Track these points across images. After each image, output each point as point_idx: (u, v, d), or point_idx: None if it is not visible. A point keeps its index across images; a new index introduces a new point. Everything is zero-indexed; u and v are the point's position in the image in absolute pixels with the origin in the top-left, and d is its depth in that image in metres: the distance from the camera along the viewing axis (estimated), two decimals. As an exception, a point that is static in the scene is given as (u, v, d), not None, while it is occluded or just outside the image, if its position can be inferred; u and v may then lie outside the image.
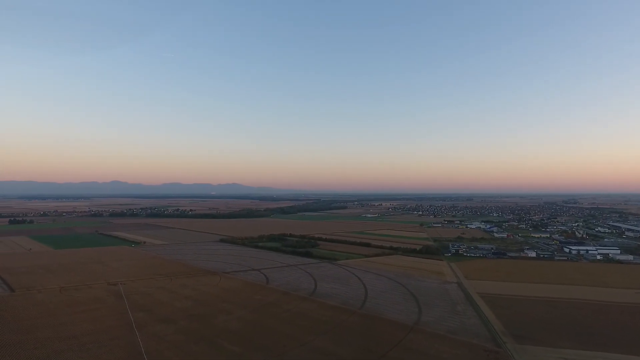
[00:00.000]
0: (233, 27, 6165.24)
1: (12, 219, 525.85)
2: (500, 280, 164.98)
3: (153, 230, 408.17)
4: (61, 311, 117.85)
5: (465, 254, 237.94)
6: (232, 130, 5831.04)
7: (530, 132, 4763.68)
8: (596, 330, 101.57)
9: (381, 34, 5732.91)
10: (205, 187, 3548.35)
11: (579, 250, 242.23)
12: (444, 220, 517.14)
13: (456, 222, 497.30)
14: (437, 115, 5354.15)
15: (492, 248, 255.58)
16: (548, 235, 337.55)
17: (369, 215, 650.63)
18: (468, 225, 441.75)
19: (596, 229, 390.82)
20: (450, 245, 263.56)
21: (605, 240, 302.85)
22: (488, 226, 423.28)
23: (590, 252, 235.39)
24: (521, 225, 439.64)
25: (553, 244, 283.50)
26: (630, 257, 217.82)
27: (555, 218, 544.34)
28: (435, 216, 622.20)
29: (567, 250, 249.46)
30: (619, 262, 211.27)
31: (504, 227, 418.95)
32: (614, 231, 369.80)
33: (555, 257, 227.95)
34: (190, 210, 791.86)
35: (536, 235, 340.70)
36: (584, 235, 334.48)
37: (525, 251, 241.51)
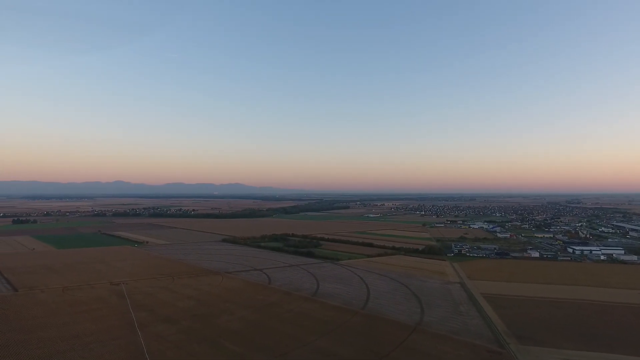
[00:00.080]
0: (235, 28, 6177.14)
1: (15, 218, 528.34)
2: (503, 281, 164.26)
3: (156, 230, 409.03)
4: (64, 311, 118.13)
5: (468, 254, 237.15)
6: (235, 130, 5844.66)
7: (533, 132, 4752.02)
8: (600, 331, 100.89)
9: (383, 34, 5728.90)
10: (208, 187, 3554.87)
11: (582, 250, 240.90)
12: (447, 220, 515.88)
13: (459, 222, 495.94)
14: (440, 115, 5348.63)
15: (495, 248, 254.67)
16: (551, 236, 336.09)
17: (371, 215, 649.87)
18: (471, 225, 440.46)
19: (600, 229, 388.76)
20: (453, 246, 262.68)
21: (609, 240, 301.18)
22: (491, 226, 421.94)
23: (594, 252, 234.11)
24: (524, 226, 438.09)
25: (556, 244, 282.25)
26: (635, 258, 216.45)
27: (559, 218, 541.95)
28: (437, 216, 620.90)
29: (570, 250, 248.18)
30: (623, 262, 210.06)
31: (506, 227, 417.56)
32: (618, 231, 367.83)
33: (559, 258, 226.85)
34: (193, 210, 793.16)
35: (539, 236, 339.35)
36: (588, 236, 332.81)
37: (529, 251, 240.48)
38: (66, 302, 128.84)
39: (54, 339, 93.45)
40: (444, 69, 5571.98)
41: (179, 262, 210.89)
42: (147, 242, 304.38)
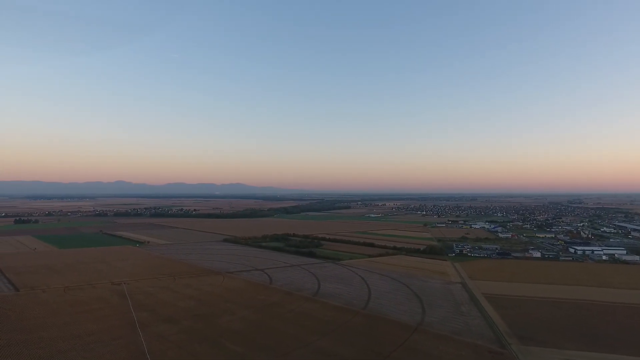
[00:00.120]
0: (236, 28, 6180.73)
1: (17, 218, 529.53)
2: (505, 281, 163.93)
3: (157, 230, 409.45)
4: (65, 311, 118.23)
5: (469, 254, 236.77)
6: (236, 130, 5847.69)
7: (535, 132, 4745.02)
8: (602, 332, 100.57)
9: (384, 34, 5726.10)
10: (209, 187, 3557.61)
11: (584, 250, 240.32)
12: (448, 220, 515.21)
13: (460, 222, 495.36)
14: (441, 115, 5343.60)
15: (496, 248, 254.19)
16: (553, 236, 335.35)
17: (372, 215, 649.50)
18: (472, 225, 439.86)
19: (602, 229, 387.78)
20: (454, 246, 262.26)
21: (610, 240, 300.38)
22: (492, 226, 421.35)
23: (595, 252, 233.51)
24: (526, 225, 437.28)
25: (558, 244, 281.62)
26: (637, 258, 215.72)
27: (560, 218, 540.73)
28: (439, 216, 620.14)
29: (572, 250, 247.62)
30: (625, 262, 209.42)
31: (508, 227, 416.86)
32: (620, 231, 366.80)
33: (561, 258, 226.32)
34: (194, 210, 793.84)
35: (541, 236, 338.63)
36: (590, 236, 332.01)
37: (530, 251, 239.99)
38: (67, 302, 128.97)
39: (55, 338, 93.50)
40: (445, 68, 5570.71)
41: (180, 262, 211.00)
42: (149, 242, 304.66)
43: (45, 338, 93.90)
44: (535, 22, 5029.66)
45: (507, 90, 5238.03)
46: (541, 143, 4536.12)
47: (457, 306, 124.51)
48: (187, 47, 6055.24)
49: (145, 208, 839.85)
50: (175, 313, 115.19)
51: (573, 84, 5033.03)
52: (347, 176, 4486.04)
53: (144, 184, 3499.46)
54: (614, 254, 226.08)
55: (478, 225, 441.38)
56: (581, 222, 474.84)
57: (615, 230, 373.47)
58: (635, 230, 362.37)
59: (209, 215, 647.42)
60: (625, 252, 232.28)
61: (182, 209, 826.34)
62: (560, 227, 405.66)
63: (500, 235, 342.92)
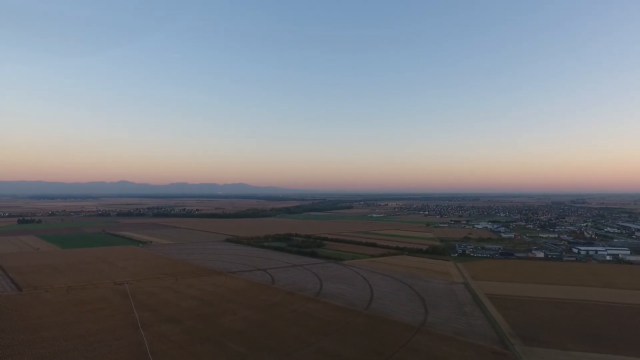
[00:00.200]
0: (238, 28, 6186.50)
1: (20, 218, 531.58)
2: (508, 281, 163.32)
3: (160, 229, 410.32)
4: (67, 310, 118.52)
5: (472, 255, 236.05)
6: (238, 130, 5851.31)
7: (538, 132, 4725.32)
8: (605, 332, 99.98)
9: (388, 34, 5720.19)
10: (212, 187, 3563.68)
11: (587, 250, 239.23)
12: (451, 220, 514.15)
13: (463, 222, 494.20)
14: (444, 115, 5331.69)
15: (499, 248, 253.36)
16: (556, 236, 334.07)
17: (374, 215, 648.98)
18: (475, 226, 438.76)
19: (605, 229, 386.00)
20: (457, 246, 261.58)
21: (614, 240, 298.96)
22: (495, 226, 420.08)
23: (599, 252, 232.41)
24: (529, 226, 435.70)
25: (561, 245, 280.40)
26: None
27: (564, 218, 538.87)
28: (441, 216, 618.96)
29: (575, 250, 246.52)
30: (629, 263, 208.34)
31: (511, 227, 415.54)
32: (624, 231, 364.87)
33: (564, 258, 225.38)
34: (197, 210, 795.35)
35: (544, 236, 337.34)
36: (593, 236, 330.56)
37: (533, 251, 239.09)
38: (70, 301, 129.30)
39: (58, 338, 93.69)
40: (447, 68, 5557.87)
41: (182, 262, 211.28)
42: (151, 241, 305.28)
43: (48, 338, 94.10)
44: (538, 21, 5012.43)
45: (510, 89, 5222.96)
46: (544, 143, 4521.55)
47: (459, 307, 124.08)
48: (189, 47, 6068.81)
49: (147, 208, 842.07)
50: (178, 313, 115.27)
51: (576, 83, 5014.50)
52: (350, 176, 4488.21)
53: (146, 184, 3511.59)
54: (617, 255, 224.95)
55: (481, 225, 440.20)
56: (584, 222, 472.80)
57: (619, 231, 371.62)
58: (639, 230, 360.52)
59: (211, 215, 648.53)
60: (629, 252, 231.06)
61: (184, 208, 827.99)
62: (563, 227, 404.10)
63: (503, 235, 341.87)
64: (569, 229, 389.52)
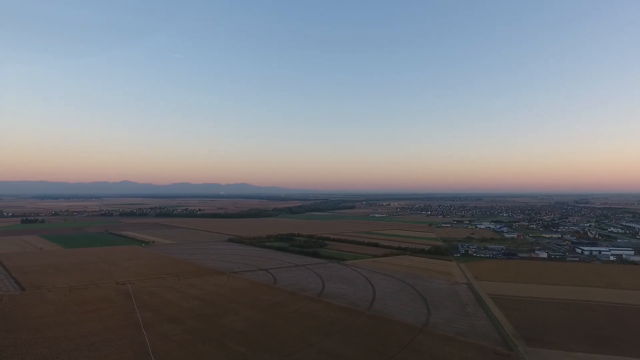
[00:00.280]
0: (240, 29, 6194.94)
1: (24, 218, 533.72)
2: (511, 282, 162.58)
3: (162, 229, 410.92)
4: (70, 310, 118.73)
5: (474, 255, 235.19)
6: (241, 130, 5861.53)
7: (541, 132, 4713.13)
8: (609, 333, 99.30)
9: (390, 34, 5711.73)
10: (214, 187, 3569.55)
11: (591, 251, 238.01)
12: (453, 220, 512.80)
13: (465, 222, 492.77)
14: (446, 115, 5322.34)
15: (502, 248, 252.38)
16: (559, 236, 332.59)
17: (377, 215, 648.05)
18: (477, 226, 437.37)
19: (609, 230, 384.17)
20: (460, 246, 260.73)
21: (618, 240, 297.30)
22: (498, 226, 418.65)
23: (603, 252, 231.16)
24: (532, 226, 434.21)
25: (565, 245, 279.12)
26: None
27: (567, 218, 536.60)
28: (444, 216, 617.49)
29: (579, 250, 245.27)
30: (633, 263, 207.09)
31: (514, 227, 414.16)
32: (627, 232, 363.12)
33: (567, 258, 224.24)
34: (199, 210, 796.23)
35: (547, 236, 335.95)
36: (597, 236, 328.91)
37: (536, 252, 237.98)
38: (73, 301, 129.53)
39: (61, 338, 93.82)
40: (450, 68, 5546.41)
41: (184, 261, 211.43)
42: (154, 241, 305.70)
43: (51, 337, 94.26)
44: (542, 21, 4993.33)
45: (513, 89, 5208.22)
46: (547, 143, 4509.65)
47: (462, 307, 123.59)
48: (191, 48, 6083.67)
49: (150, 208, 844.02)
50: (180, 313, 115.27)
51: (579, 83, 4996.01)
52: (352, 176, 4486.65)
53: (149, 184, 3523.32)
54: (621, 255, 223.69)
55: (483, 225, 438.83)
56: (588, 222, 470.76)
57: (622, 231, 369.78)
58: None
59: (213, 215, 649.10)
60: (633, 252, 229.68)
61: (187, 208, 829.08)
62: (566, 228, 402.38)
63: (505, 235, 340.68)
64: (572, 229, 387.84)
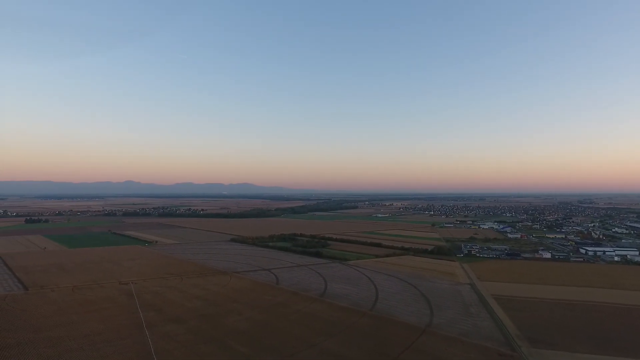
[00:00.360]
0: (243, 29, 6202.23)
1: (28, 218, 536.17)
2: (515, 282, 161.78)
3: (165, 229, 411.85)
4: (73, 310, 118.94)
5: (478, 255, 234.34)
6: (244, 130, 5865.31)
7: (544, 131, 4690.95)
8: (614, 335, 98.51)
9: (392, 34, 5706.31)
10: (217, 186, 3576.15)
11: (595, 251, 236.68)
12: (456, 221, 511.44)
13: (468, 222, 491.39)
14: (449, 115, 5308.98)
15: (505, 249, 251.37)
16: (563, 236, 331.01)
17: (379, 215, 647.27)
18: (481, 226, 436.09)
19: (613, 230, 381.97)
20: (463, 246, 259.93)
21: (622, 241, 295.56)
22: (501, 226, 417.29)
23: (607, 253, 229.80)
24: (535, 226, 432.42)
25: (568, 245, 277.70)
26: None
27: (571, 218, 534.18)
28: (447, 216, 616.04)
29: (583, 251, 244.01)
30: (638, 263, 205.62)
31: (517, 227, 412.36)
32: (632, 232, 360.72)
33: (571, 259, 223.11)
34: (202, 209, 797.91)
35: (551, 236, 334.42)
36: (601, 236, 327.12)
37: (540, 252, 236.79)
38: (76, 301, 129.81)
39: (63, 338, 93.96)
40: (453, 67, 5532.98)
41: (187, 261, 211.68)
42: (157, 241, 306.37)
43: (54, 337, 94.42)
44: (546, 20, 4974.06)
45: (516, 89, 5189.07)
46: (551, 143, 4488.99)
47: (465, 307, 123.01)
48: (194, 48, 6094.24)
49: (153, 208, 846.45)
50: (182, 313, 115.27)
51: (583, 83, 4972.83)
52: (355, 176, 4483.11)
53: (152, 184, 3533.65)
54: (626, 255, 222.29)
55: (487, 225, 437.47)
56: (592, 222, 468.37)
57: (627, 231, 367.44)
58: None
59: (216, 215, 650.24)
60: (637, 253, 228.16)
61: (190, 208, 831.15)
62: (570, 228, 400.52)
63: (509, 235, 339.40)
64: (576, 229, 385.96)
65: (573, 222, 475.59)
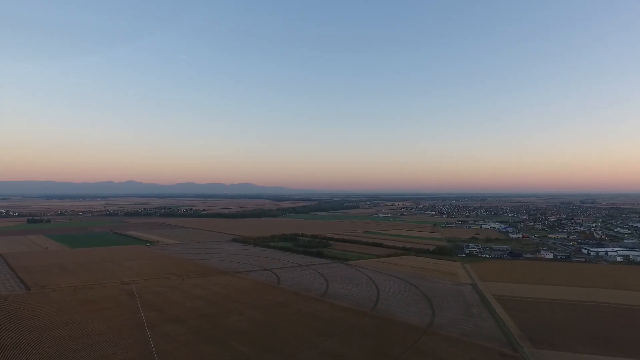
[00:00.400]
0: (244, 29, 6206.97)
1: (30, 218, 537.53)
2: (516, 282, 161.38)
3: (166, 229, 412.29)
4: (75, 310, 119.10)
5: (479, 255, 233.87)
6: (245, 130, 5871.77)
7: (546, 131, 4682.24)
8: (617, 335, 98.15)
9: (394, 34, 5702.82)
10: (219, 186, 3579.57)
11: (597, 251, 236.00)
12: (458, 221, 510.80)
13: (470, 222, 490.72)
14: (451, 115, 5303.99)
15: (507, 249, 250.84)
16: (565, 236, 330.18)
17: (381, 215, 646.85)
18: (482, 226, 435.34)
19: (615, 230, 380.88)
20: (464, 246, 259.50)
21: (625, 241, 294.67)
22: (503, 226, 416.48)
23: (609, 253, 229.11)
24: (537, 226, 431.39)
25: (570, 245, 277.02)
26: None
27: (573, 218, 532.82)
28: (448, 216, 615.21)
29: (585, 251, 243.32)
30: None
31: (519, 227, 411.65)
32: (634, 232, 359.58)
33: (573, 259, 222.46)
34: (203, 209, 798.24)
35: (553, 236, 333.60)
36: (603, 236, 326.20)
37: (542, 252, 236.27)
38: (77, 301, 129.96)
39: (65, 338, 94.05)
40: (455, 67, 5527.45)
41: (189, 261, 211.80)
42: (158, 241, 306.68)
43: (56, 337, 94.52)
44: (549, 19, 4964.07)
45: (518, 89, 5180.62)
46: (552, 142, 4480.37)
47: (467, 308, 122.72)
48: (196, 48, 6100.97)
49: (155, 208, 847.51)
50: (183, 313, 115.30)
51: (584, 82, 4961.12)
52: (356, 176, 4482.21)
53: (154, 184, 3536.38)
54: (628, 256, 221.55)
55: (488, 225, 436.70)
56: (594, 222, 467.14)
57: (629, 231, 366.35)
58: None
59: (218, 215, 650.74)
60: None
61: (191, 208, 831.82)
62: (572, 228, 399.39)
63: (511, 235, 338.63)
64: (578, 229, 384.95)
65: (575, 222, 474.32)
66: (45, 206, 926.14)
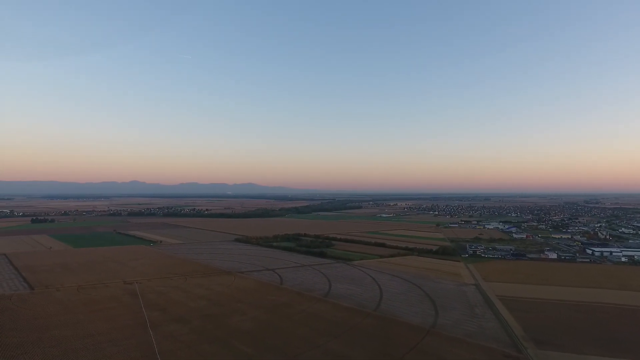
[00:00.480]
0: (247, 29, 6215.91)
1: (34, 218, 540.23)
2: (520, 283, 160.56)
3: (170, 229, 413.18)
4: (78, 309, 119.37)
5: (483, 255, 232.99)
6: (246, 130, 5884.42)
7: (549, 131, 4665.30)
8: (622, 336, 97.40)
9: (395, 34, 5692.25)
10: (221, 187, 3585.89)
11: (602, 252, 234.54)
12: (461, 221, 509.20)
13: (473, 222, 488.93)
14: (454, 114, 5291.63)
15: (511, 249, 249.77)
16: (569, 236, 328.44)
17: (384, 215, 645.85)
18: (486, 226, 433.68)
19: (620, 230, 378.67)
20: (468, 246, 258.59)
21: (629, 241, 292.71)
22: (506, 227, 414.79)
23: (614, 253, 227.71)
24: (541, 226, 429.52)
25: (575, 245, 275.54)
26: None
27: (577, 218, 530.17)
28: (451, 216, 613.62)
29: (589, 251, 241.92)
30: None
31: (523, 227, 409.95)
32: (639, 232, 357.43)
33: (577, 259, 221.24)
34: (206, 209, 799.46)
35: (557, 236, 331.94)
36: (607, 237, 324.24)
37: (546, 252, 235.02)
38: (81, 301, 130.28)
39: (68, 337, 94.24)
40: (456, 67, 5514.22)
41: (191, 261, 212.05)
42: (161, 241, 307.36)
43: (59, 336, 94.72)
44: (550, 19, 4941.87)
45: (521, 88, 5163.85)
46: (556, 142, 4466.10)
47: (470, 308, 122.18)
48: (199, 48, 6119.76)
49: (158, 208, 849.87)
50: (186, 313, 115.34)
51: (587, 82, 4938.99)
52: (359, 176, 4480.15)
53: (157, 184, 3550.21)
54: (633, 256, 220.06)
55: (492, 225, 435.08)
56: (598, 222, 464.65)
57: (634, 231, 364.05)
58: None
59: (220, 215, 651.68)
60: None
61: (194, 208, 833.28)
62: (576, 228, 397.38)
63: (514, 235, 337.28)
64: (583, 229, 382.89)
65: (579, 222, 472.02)
66: (49, 206, 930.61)
